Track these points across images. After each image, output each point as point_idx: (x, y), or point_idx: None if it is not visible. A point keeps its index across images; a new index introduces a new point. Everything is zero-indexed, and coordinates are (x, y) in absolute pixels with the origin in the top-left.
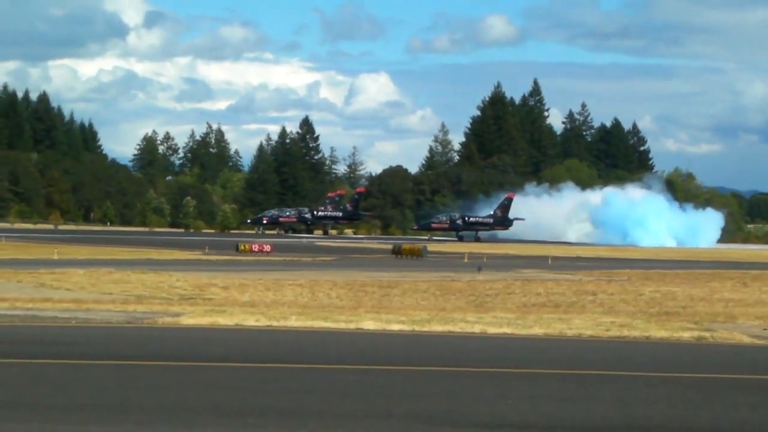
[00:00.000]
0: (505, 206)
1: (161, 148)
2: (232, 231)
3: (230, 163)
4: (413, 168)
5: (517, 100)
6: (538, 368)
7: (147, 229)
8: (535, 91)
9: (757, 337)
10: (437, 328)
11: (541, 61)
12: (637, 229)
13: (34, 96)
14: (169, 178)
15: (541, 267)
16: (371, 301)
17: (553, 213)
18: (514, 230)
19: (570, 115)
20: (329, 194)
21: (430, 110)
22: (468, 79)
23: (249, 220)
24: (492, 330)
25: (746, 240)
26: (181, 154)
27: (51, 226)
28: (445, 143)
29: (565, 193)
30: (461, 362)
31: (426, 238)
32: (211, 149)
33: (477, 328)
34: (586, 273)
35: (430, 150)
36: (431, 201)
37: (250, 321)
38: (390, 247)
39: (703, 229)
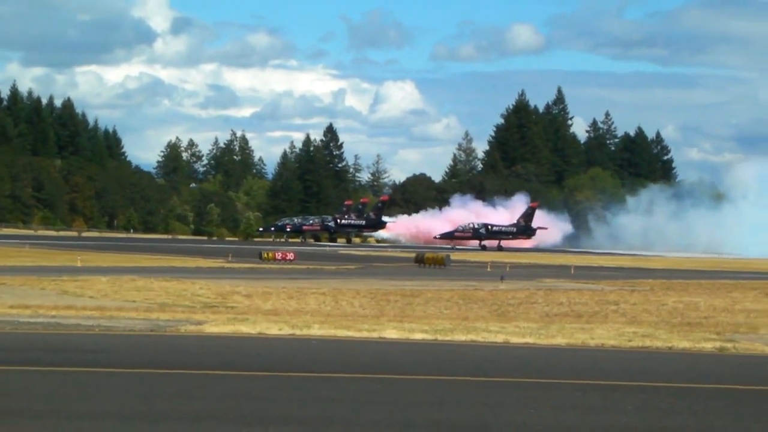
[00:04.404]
0: (529, 215)
1: (185, 155)
2: (255, 239)
3: (254, 171)
4: (437, 176)
5: (541, 108)
6: (560, 378)
7: (170, 237)
8: (559, 99)
9: None
10: (460, 337)
11: (565, 69)
12: None
13: (58, 102)
14: (192, 185)
15: (563, 276)
16: (394, 310)
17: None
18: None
19: (594, 124)
20: (346, 202)
21: (455, 118)
22: (492, 87)
23: (262, 228)
24: (515, 339)
25: None
26: (205, 161)
27: (74, 233)
28: (469, 151)
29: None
30: (484, 372)
31: (449, 246)
32: (235, 156)
33: (500, 338)
34: (608, 283)
35: (454, 158)
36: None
37: (273, 329)
38: (413, 255)
39: None
